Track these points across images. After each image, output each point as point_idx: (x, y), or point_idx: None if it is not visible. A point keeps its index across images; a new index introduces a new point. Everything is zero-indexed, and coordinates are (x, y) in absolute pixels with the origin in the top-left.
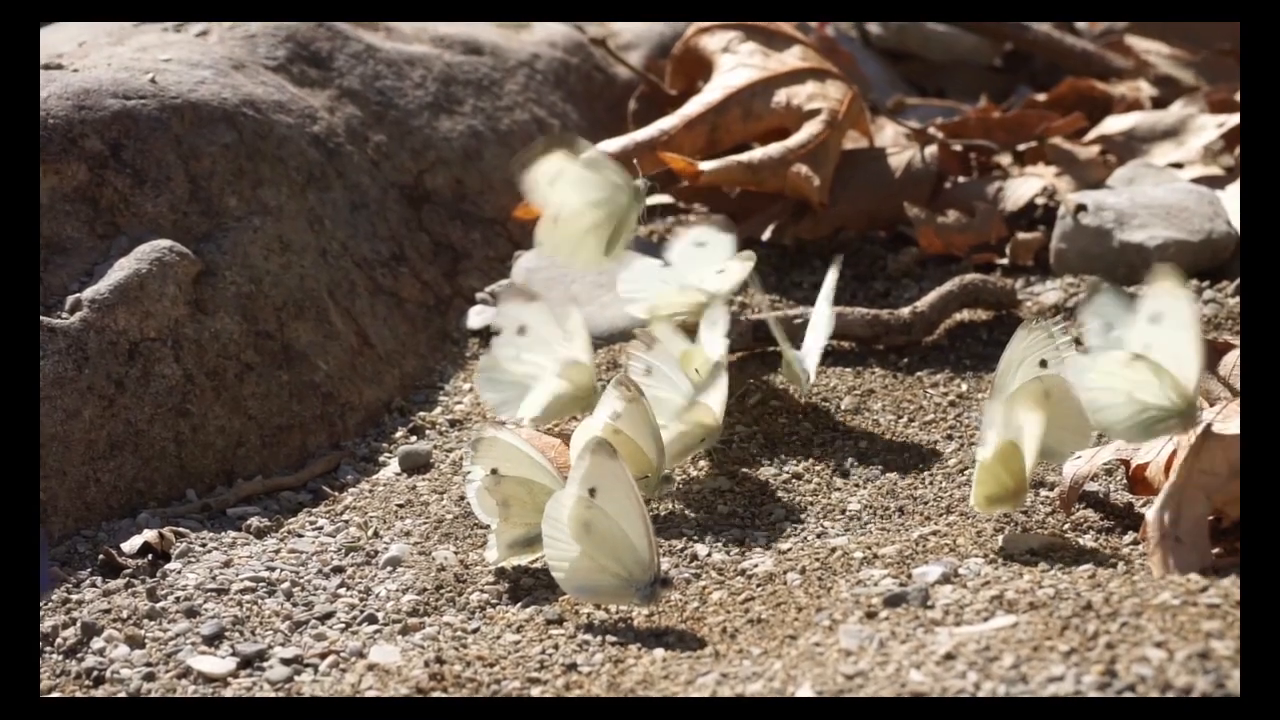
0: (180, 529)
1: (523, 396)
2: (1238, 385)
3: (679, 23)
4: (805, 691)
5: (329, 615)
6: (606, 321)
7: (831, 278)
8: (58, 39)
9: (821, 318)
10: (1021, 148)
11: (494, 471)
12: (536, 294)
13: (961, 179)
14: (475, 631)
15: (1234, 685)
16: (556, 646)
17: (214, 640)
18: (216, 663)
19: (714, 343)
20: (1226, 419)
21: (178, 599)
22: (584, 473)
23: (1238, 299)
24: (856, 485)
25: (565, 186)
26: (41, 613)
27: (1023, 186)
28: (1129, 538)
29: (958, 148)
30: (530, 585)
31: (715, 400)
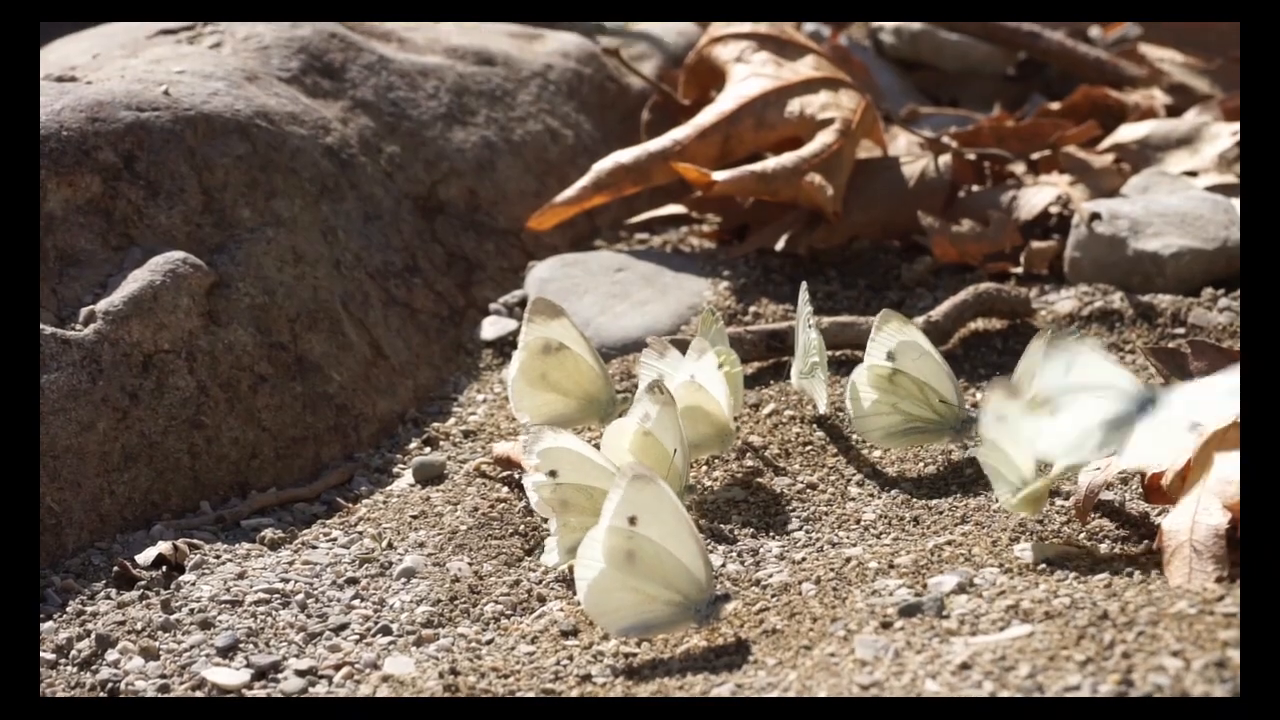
0: (194, 541)
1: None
2: None
3: (692, 29)
4: None
5: (343, 627)
6: (620, 331)
7: (804, 301)
8: (71, 51)
9: (808, 342)
10: (1035, 156)
11: (552, 474)
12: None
13: (975, 188)
14: (490, 643)
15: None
16: (571, 658)
17: (228, 652)
18: (231, 674)
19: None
20: None
21: (192, 611)
22: (619, 503)
23: None
24: (871, 495)
25: None
26: (56, 625)
27: (1037, 195)
28: (1145, 546)
29: (971, 157)
30: (545, 596)
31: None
